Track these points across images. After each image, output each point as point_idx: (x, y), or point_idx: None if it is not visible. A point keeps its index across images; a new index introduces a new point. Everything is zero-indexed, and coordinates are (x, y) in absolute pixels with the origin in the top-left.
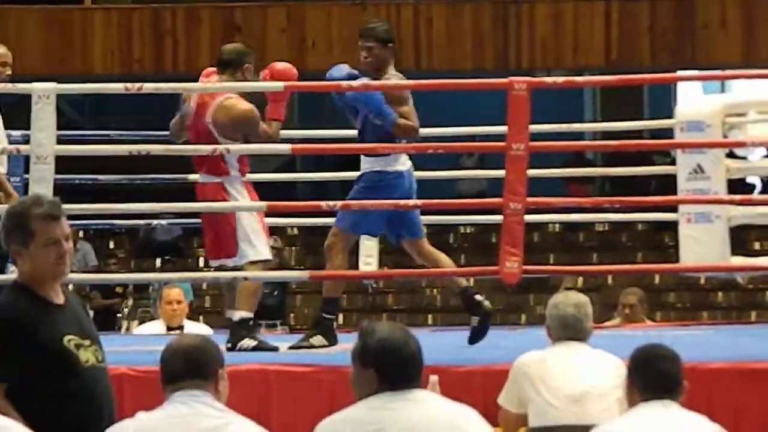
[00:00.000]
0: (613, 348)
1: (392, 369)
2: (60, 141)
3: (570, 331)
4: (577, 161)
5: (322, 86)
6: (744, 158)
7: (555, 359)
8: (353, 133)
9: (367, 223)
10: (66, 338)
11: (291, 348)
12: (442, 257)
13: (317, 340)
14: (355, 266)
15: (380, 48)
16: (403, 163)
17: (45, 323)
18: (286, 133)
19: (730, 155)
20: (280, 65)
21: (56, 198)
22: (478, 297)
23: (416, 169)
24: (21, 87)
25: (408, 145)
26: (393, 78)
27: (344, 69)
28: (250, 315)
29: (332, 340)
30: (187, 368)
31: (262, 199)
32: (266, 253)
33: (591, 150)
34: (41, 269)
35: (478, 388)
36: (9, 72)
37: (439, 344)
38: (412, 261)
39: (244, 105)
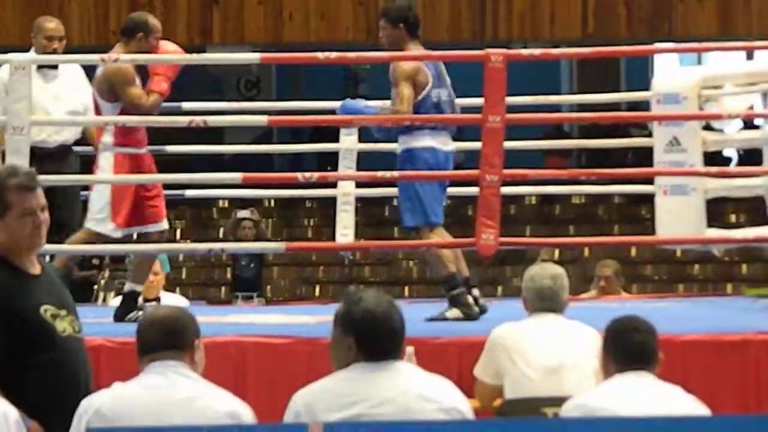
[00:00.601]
0: (589, 320)
1: (373, 341)
2: None
3: (546, 302)
4: (555, 134)
5: (298, 58)
6: (720, 131)
7: (531, 331)
8: (329, 105)
9: (433, 209)
10: (42, 308)
11: (428, 320)
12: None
13: (453, 313)
14: (332, 238)
15: (391, 28)
16: (436, 142)
17: (21, 293)
18: (262, 105)
19: (707, 128)
20: (166, 46)
21: (32, 169)
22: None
23: (391, 141)
24: None
25: (385, 117)
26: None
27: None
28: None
29: (470, 312)
30: (163, 339)
31: (239, 170)
32: (100, 228)
33: (567, 122)
34: (17, 240)
35: (453, 360)
36: (55, 46)
37: (416, 316)
38: (389, 233)
39: (120, 66)
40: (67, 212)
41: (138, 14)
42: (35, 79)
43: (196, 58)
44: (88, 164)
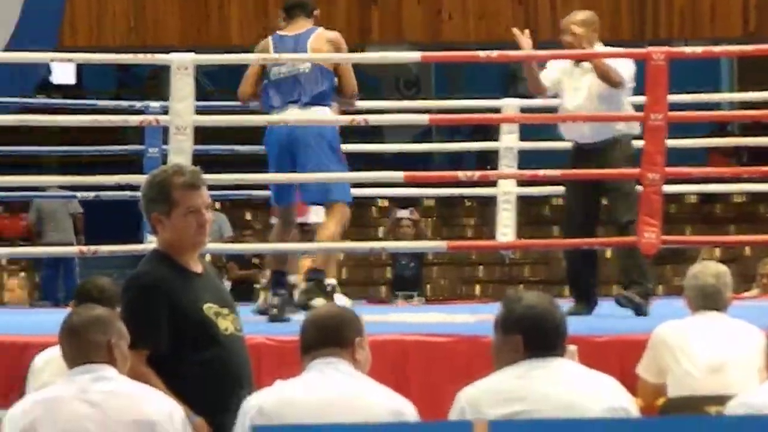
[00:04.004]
0: (752, 318)
1: (539, 335)
2: (197, 112)
3: (709, 300)
4: (718, 133)
5: (459, 56)
6: None
7: (694, 329)
8: (489, 103)
9: (276, 194)
10: (206, 306)
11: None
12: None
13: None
14: (492, 237)
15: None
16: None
17: (185, 291)
18: (422, 104)
19: None
20: None
21: (197, 167)
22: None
23: (552, 139)
24: (159, 58)
25: (558, 116)
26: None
27: None
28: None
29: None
30: (324, 337)
31: (399, 169)
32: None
33: (729, 120)
34: (182, 237)
35: (615, 358)
36: (568, 39)
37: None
38: (548, 232)
39: None
40: (615, 207)
41: None
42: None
43: (358, 57)
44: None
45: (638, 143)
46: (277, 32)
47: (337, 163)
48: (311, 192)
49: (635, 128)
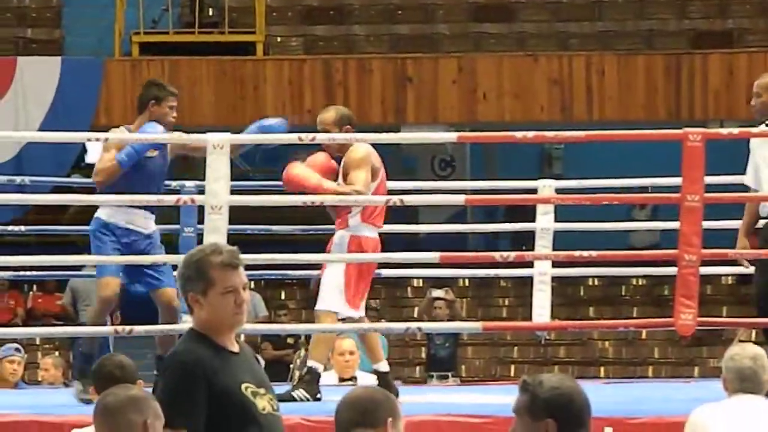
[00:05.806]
0: None
1: (571, 416)
2: (233, 191)
3: (747, 383)
4: None
5: (495, 137)
6: None
7: (731, 412)
8: (526, 184)
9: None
10: (243, 386)
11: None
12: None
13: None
14: (527, 317)
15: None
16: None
17: (223, 370)
18: (458, 184)
19: None
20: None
21: (235, 247)
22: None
23: (588, 220)
24: (195, 138)
25: (572, 197)
26: None
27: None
28: (320, 365)
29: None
30: (357, 417)
31: (434, 249)
32: (334, 306)
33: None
34: (219, 317)
35: None
36: None
37: (613, 396)
38: (584, 312)
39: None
40: None
41: None
42: None
43: (394, 137)
44: None
45: (663, 224)
46: None
47: (96, 249)
48: None
49: None
